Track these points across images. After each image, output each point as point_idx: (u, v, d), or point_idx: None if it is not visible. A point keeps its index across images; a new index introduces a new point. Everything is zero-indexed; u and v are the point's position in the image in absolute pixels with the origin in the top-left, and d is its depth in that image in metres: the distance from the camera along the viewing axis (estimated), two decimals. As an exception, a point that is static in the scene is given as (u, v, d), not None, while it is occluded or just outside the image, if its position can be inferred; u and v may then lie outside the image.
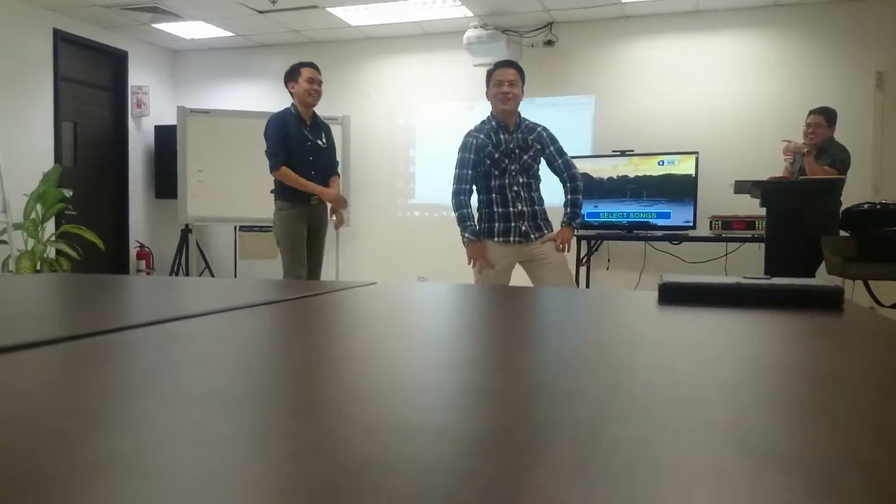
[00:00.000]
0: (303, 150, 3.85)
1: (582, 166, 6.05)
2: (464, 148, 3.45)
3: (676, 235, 5.82)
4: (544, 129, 3.52)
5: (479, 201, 3.50)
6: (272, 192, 3.82)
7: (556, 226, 3.56)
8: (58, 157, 6.27)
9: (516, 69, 3.45)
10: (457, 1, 5.89)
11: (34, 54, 6.08)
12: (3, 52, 5.79)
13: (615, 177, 6.04)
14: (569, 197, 3.51)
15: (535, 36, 6.44)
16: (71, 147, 6.55)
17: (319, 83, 3.91)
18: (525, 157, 3.43)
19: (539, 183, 3.53)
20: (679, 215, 5.85)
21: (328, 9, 6.06)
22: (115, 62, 7.02)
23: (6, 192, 5.35)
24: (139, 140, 7.28)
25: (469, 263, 3.49)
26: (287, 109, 3.88)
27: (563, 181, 3.54)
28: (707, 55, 6.12)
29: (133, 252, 7.23)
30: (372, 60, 7.09)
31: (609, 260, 6.34)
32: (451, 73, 6.70)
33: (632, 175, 6.00)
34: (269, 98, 7.17)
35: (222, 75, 7.54)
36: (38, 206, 5.61)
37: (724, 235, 5.57)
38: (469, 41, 6.19)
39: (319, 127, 3.99)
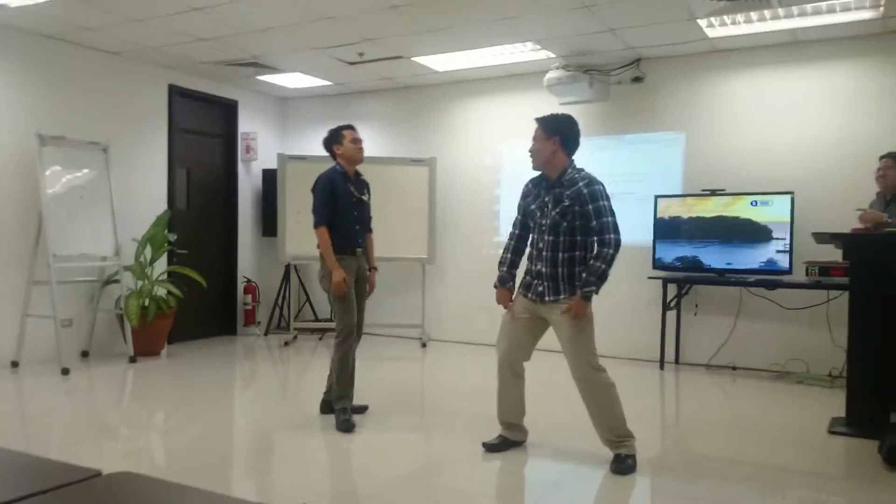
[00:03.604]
0: (349, 206, 4.02)
1: (670, 205, 5.85)
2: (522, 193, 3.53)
3: (770, 281, 5.45)
4: (588, 184, 3.17)
5: None
6: (318, 246, 3.97)
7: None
8: (171, 202, 6.84)
9: (538, 124, 3.38)
10: (537, 46, 5.88)
11: (151, 107, 6.70)
12: (123, 107, 6.42)
13: (705, 217, 5.75)
14: (590, 262, 3.15)
15: (622, 73, 6.29)
16: (184, 191, 7.12)
17: (361, 141, 4.10)
18: (554, 213, 3.23)
19: (572, 243, 3.22)
20: (773, 259, 5.48)
21: (413, 58, 6.25)
22: (227, 111, 7.58)
23: (119, 237, 5.90)
24: (248, 183, 7.81)
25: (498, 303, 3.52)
26: (334, 169, 4.05)
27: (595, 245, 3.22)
28: (803, 89, 5.71)
29: (241, 287, 7.73)
30: (458, 102, 7.22)
31: (697, 305, 6.02)
32: (537, 112, 6.64)
33: (723, 215, 5.70)
34: (368, 140, 7.46)
35: (325, 120, 7.91)
36: (148, 249, 6.15)
37: (823, 282, 5.15)
38: (550, 82, 6.16)
39: (362, 183, 4.16)
